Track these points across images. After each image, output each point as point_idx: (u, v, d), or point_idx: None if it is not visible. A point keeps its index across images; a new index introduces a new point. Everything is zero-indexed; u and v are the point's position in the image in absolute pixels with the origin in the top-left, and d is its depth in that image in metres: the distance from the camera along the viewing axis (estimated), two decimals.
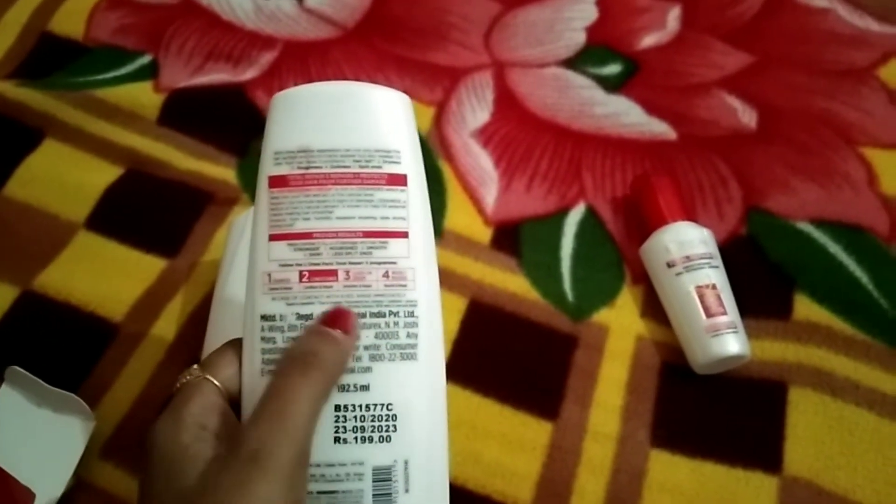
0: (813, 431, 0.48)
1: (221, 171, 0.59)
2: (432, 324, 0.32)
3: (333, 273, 0.31)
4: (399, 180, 0.33)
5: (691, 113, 0.64)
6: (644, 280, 0.54)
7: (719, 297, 0.50)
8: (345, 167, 0.32)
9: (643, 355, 0.51)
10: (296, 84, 0.65)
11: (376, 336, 0.31)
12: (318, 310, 0.31)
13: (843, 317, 0.52)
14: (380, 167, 0.33)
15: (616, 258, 0.56)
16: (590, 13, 0.71)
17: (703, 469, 0.47)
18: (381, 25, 0.70)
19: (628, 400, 0.50)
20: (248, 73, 0.66)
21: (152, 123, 0.63)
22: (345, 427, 0.30)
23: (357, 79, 0.66)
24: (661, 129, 0.63)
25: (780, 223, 0.57)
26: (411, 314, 0.32)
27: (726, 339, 0.48)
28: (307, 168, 0.32)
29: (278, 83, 0.66)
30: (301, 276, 0.32)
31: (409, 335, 0.31)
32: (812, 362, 0.50)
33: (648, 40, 0.69)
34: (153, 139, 0.61)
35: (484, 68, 0.67)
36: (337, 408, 0.30)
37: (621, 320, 0.53)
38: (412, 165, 0.33)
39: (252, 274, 0.32)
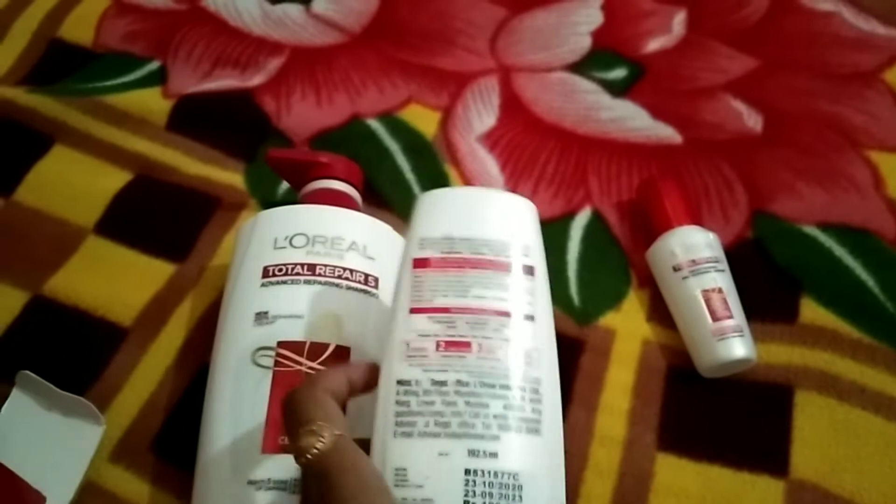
0: (819, 435, 0.48)
1: (229, 176, 0.60)
2: (554, 401, 0.35)
3: (468, 344, 0.34)
4: (528, 270, 0.37)
5: (697, 117, 0.64)
6: (650, 284, 0.54)
7: (725, 301, 0.50)
8: (481, 254, 0.36)
9: (649, 359, 0.51)
10: (303, 89, 0.66)
11: (504, 407, 0.33)
12: (452, 377, 0.33)
13: (849, 320, 0.52)
14: (511, 258, 0.37)
15: (622, 262, 0.56)
16: (595, 18, 0.72)
17: (709, 472, 0.47)
18: (387, 31, 0.71)
19: (635, 404, 0.50)
20: (256, 79, 0.67)
21: (161, 129, 0.63)
22: (474, 491, 0.32)
23: (363, 84, 0.67)
24: (666, 133, 0.63)
25: (786, 227, 0.57)
26: (536, 391, 0.34)
27: (732, 343, 0.48)
28: (448, 253, 0.36)
29: (285, 89, 0.66)
30: (437, 345, 0.34)
31: (533, 410, 0.34)
32: (818, 366, 0.50)
33: (654, 44, 0.70)
34: (162, 145, 0.62)
35: (490, 73, 0.68)
36: (467, 472, 0.32)
37: (627, 324, 0.53)
38: (538, 259, 0.38)
39: (390, 342, 0.35)
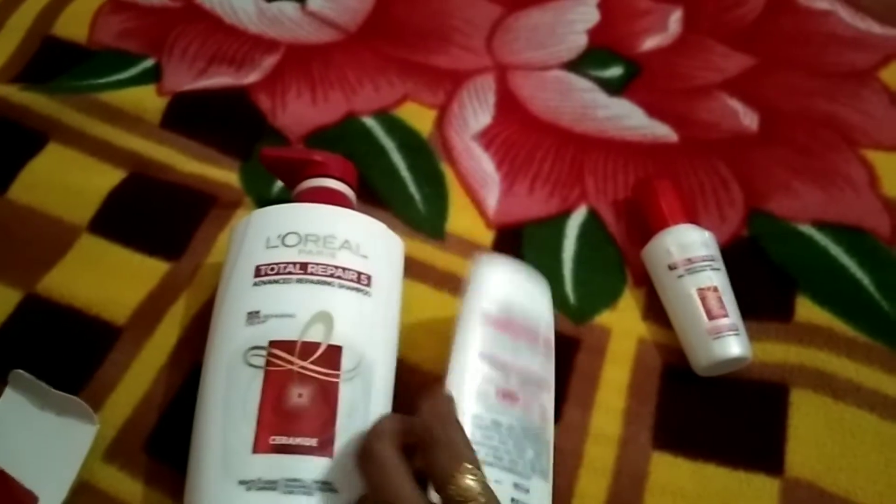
0: (814, 433, 0.48)
1: (224, 175, 0.60)
2: (552, 458, 0.43)
3: (518, 398, 0.41)
4: (549, 344, 0.45)
5: (693, 115, 0.64)
6: (646, 282, 0.54)
7: (721, 300, 0.50)
8: (531, 325, 0.43)
9: (645, 358, 0.51)
10: (298, 87, 0.65)
11: (535, 455, 0.41)
12: (506, 421, 0.40)
13: (844, 319, 0.52)
14: (544, 332, 0.44)
15: (618, 260, 0.56)
16: (591, 16, 0.72)
17: (704, 471, 0.47)
18: (383, 28, 0.71)
19: (630, 402, 0.50)
20: (251, 77, 0.66)
21: (155, 127, 0.63)
22: None
23: (359, 82, 0.66)
24: (662, 131, 0.63)
25: (782, 225, 0.57)
26: (549, 448, 0.43)
27: (728, 342, 0.48)
28: (510, 316, 0.42)
29: (281, 87, 0.66)
30: (497, 392, 0.40)
31: (547, 460, 0.42)
32: (814, 364, 0.50)
33: (650, 43, 0.69)
34: (156, 142, 0.62)
35: (486, 71, 0.68)
36: (513, 500, 0.38)
37: (623, 323, 0.53)
38: (552, 336, 0.46)
39: (460, 378, 0.40)
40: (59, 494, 0.43)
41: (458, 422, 0.37)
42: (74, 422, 0.46)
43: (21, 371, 0.46)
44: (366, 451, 0.37)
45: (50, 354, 0.50)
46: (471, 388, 0.39)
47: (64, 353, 0.51)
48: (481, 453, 0.38)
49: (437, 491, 0.34)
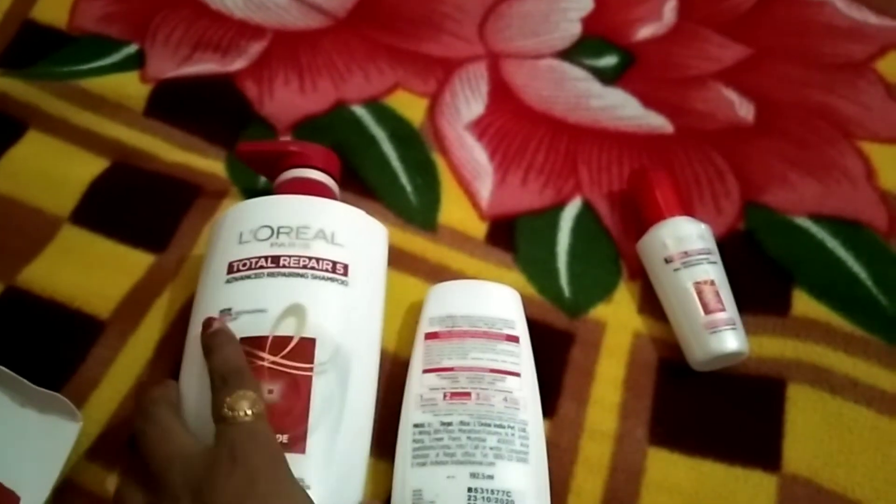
0: (812, 429, 0.47)
1: (210, 164, 0.58)
2: (539, 439, 0.44)
3: (468, 394, 0.44)
4: (514, 339, 0.47)
5: (688, 106, 0.63)
6: (641, 276, 0.54)
7: (717, 294, 0.49)
8: (477, 327, 0.47)
9: (641, 352, 0.51)
10: (286, 75, 0.64)
11: (498, 441, 0.43)
12: (456, 419, 0.43)
13: (841, 313, 0.52)
14: (501, 329, 0.47)
15: (613, 253, 0.55)
16: (586, 4, 0.70)
17: (701, 467, 0.46)
18: (372, 15, 0.69)
19: (626, 397, 0.49)
20: (237, 64, 0.65)
21: (139, 115, 0.61)
22: (475, 502, 0.41)
23: (348, 69, 0.65)
24: (658, 122, 0.62)
25: (779, 218, 0.57)
26: (524, 430, 0.44)
27: (725, 336, 0.48)
28: (451, 327, 0.47)
29: (268, 73, 0.64)
30: (444, 396, 0.44)
31: (522, 444, 0.43)
32: (810, 359, 0.50)
33: (645, 32, 0.68)
34: (140, 131, 0.60)
35: (478, 59, 0.66)
36: (470, 489, 0.41)
37: (618, 316, 0.52)
38: (522, 331, 0.48)
39: (407, 395, 0.45)
40: (42, 494, 0.42)
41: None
42: (57, 419, 0.44)
43: (1, 367, 0.45)
44: (141, 411, 0.39)
45: (31, 349, 0.49)
46: (415, 402, 0.44)
47: (45, 348, 0.49)
48: (431, 455, 0.42)
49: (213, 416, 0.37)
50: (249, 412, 0.36)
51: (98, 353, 0.49)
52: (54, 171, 0.57)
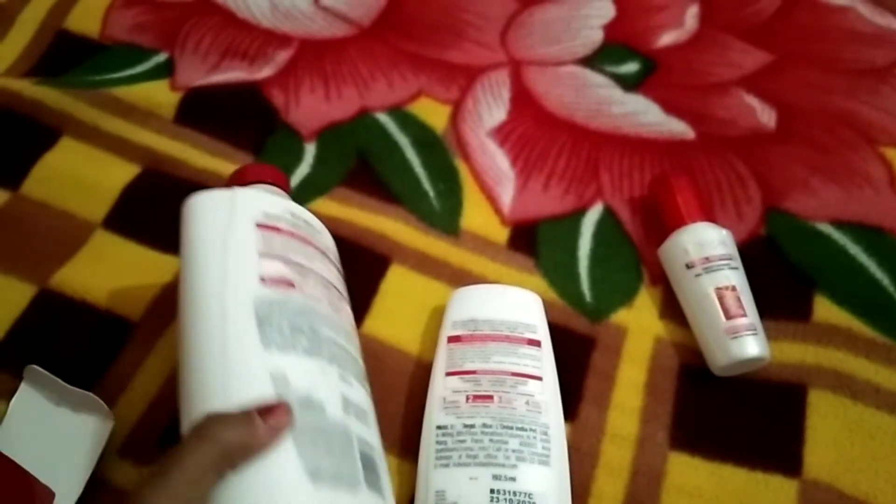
0: (833, 435, 0.47)
1: None
2: (560, 440, 0.44)
3: (490, 397, 0.45)
4: (535, 343, 0.47)
5: (710, 112, 0.63)
6: (662, 281, 0.54)
7: (739, 299, 0.49)
8: (499, 331, 0.47)
9: (662, 357, 0.51)
10: (312, 82, 0.65)
11: (520, 444, 0.43)
12: (479, 421, 0.44)
13: (863, 319, 0.52)
14: (522, 333, 0.47)
15: (634, 259, 0.56)
16: (607, 11, 0.71)
17: (722, 472, 0.46)
18: (396, 23, 0.70)
19: (647, 402, 0.49)
20: (264, 72, 0.66)
21: (168, 122, 0.63)
22: (498, 503, 0.41)
23: (372, 77, 0.66)
24: (679, 128, 0.63)
25: (800, 224, 0.57)
26: (545, 433, 0.44)
27: (746, 342, 0.48)
28: (474, 330, 0.47)
29: (294, 81, 0.65)
30: (467, 398, 0.45)
31: (543, 447, 0.43)
32: (832, 365, 0.50)
33: (666, 38, 0.69)
34: (170, 138, 0.61)
35: (500, 66, 0.67)
36: (492, 491, 0.42)
37: (640, 321, 0.53)
38: (544, 336, 0.48)
39: (431, 398, 0.46)
40: (75, 490, 0.43)
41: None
42: (90, 418, 0.46)
43: (36, 367, 0.46)
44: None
45: (64, 350, 0.50)
46: (439, 405, 0.45)
47: (78, 348, 0.51)
48: (454, 457, 0.43)
49: None
50: None
51: (128, 354, 0.50)
52: (87, 176, 0.59)
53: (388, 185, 0.59)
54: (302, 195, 0.58)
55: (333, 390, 0.38)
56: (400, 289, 0.54)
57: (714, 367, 0.49)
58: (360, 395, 0.41)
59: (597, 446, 0.47)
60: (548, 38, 0.69)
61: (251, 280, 0.39)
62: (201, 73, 0.66)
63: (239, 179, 0.52)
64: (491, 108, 0.64)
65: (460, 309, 0.49)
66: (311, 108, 0.64)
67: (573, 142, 0.62)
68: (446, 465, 0.43)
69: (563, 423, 0.46)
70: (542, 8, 0.71)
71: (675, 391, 0.50)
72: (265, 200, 0.45)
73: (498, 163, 0.61)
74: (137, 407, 0.48)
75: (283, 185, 0.54)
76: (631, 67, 0.67)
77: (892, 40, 0.67)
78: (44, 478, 0.43)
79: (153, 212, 0.57)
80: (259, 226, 0.42)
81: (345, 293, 0.47)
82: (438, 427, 0.44)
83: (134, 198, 0.58)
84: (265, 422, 0.34)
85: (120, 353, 0.50)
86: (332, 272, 0.46)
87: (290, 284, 0.41)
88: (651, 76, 0.66)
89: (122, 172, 0.59)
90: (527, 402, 0.45)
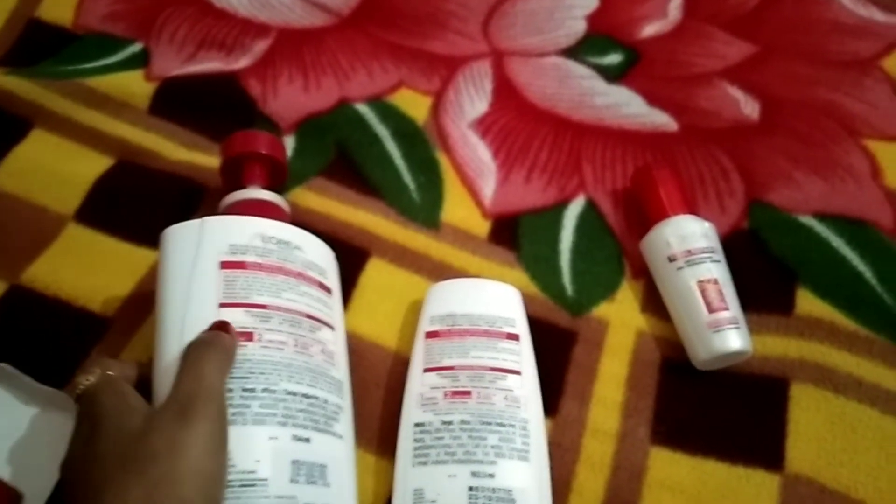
0: (815, 428, 0.47)
1: (214, 162, 0.58)
2: (540, 437, 0.44)
3: (469, 393, 0.44)
4: (514, 337, 0.47)
5: (693, 104, 0.63)
6: (644, 274, 0.53)
7: (721, 292, 0.49)
8: (477, 326, 0.47)
9: (643, 351, 0.51)
10: (290, 73, 0.64)
11: (499, 439, 0.43)
12: (457, 417, 0.43)
13: (845, 312, 0.52)
14: (501, 328, 0.47)
15: (616, 252, 0.55)
16: (590, 1, 0.70)
17: (703, 466, 0.46)
18: (376, 13, 0.69)
19: (628, 396, 0.49)
20: (242, 62, 0.65)
21: (143, 113, 0.61)
22: (476, 501, 0.41)
23: (352, 67, 0.65)
24: (662, 120, 0.62)
25: (783, 216, 0.56)
26: (524, 428, 0.43)
27: (728, 335, 0.48)
28: (452, 325, 0.47)
29: (272, 72, 0.64)
30: (445, 395, 0.44)
31: (523, 443, 0.43)
32: (814, 358, 0.50)
33: (649, 29, 0.68)
34: (144, 129, 0.60)
35: (482, 57, 0.66)
36: (471, 488, 0.41)
37: (621, 315, 0.52)
38: (523, 330, 0.47)
39: (408, 394, 0.45)
40: (45, 491, 0.42)
41: None
42: (60, 417, 0.44)
43: (5, 364, 0.45)
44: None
45: (35, 347, 0.49)
46: (416, 401, 0.44)
47: (50, 345, 0.49)
48: (432, 455, 0.42)
49: None
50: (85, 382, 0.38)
51: (102, 351, 0.49)
52: (59, 169, 0.58)
53: (367, 177, 0.58)
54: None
55: (281, 460, 0.37)
56: (379, 283, 0.53)
57: (696, 361, 0.49)
58: (321, 448, 0.39)
59: (578, 441, 0.47)
60: (530, 28, 0.68)
61: None
62: (177, 64, 0.65)
63: (228, 151, 0.52)
64: (473, 99, 0.63)
65: (438, 304, 0.48)
66: (290, 99, 0.63)
67: (555, 134, 0.61)
68: (424, 463, 0.42)
69: (542, 418, 0.45)
70: None
71: (656, 385, 0.49)
72: (233, 230, 0.43)
73: (479, 155, 0.60)
74: None
75: (278, 155, 0.53)
76: (614, 58, 0.66)
77: (875, 32, 0.67)
78: (12, 479, 0.42)
79: (127, 204, 0.56)
80: (224, 265, 0.42)
81: (328, 313, 0.45)
82: (416, 424, 0.44)
83: (107, 190, 0.57)
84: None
85: (93, 349, 0.49)
86: (307, 297, 0.43)
87: (248, 338, 0.40)
88: (634, 67, 0.66)
89: (95, 164, 0.58)
90: (506, 398, 0.44)
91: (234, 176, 0.53)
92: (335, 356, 0.44)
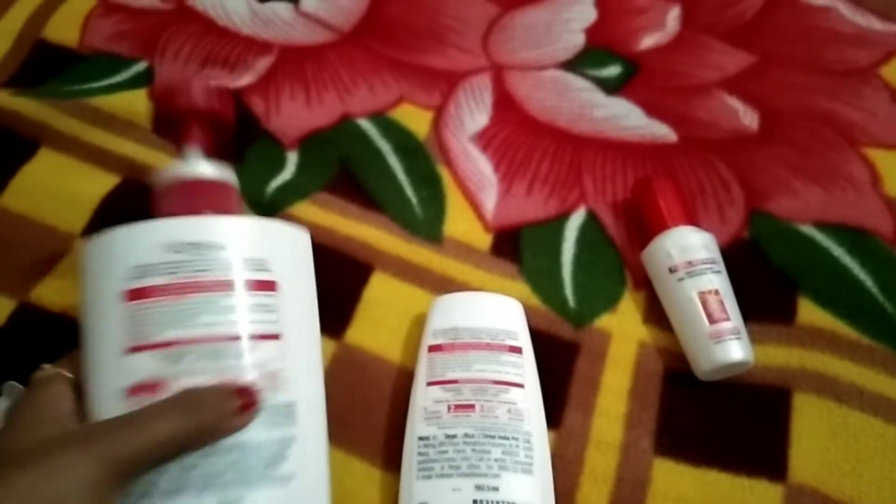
0: (818, 438, 0.47)
1: None
2: (543, 450, 0.44)
3: (472, 406, 0.44)
4: (517, 350, 0.47)
5: (692, 115, 0.63)
6: (646, 285, 0.54)
7: (722, 303, 0.49)
8: (480, 339, 0.47)
9: (646, 362, 0.51)
10: (292, 89, 0.65)
11: (503, 453, 0.43)
12: (460, 431, 0.44)
13: (847, 321, 0.52)
14: (503, 341, 0.47)
15: (617, 263, 0.56)
16: (588, 14, 0.71)
17: (707, 477, 0.46)
18: (377, 29, 0.70)
19: (631, 407, 0.49)
20: (245, 79, 0.66)
21: (148, 131, 0.62)
22: None
23: (353, 83, 0.66)
24: (661, 131, 0.62)
25: (783, 226, 0.57)
26: (528, 441, 0.44)
27: (730, 346, 0.48)
28: (454, 339, 0.47)
29: (274, 88, 0.65)
30: (449, 408, 0.44)
31: (526, 455, 0.43)
32: (816, 367, 0.50)
33: (648, 41, 0.69)
34: (150, 147, 0.61)
35: (482, 71, 0.67)
36: (475, 501, 0.41)
37: (623, 326, 0.52)
38: (525, 342, 0.48)
39: (412, 408, 0.45)
40: None
41: None
42: None
43: (14, 383, 0.45)
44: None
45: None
46: (420, 415, 0.45)
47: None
48: (437, 468, 0.43)
49: None
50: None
51: None
52: (66, 188, 0.58)
53: (370, 192, 0.59)
54: (283, 201, 0.57)
55: None
56: (382, 297, 0.53)
57: (698, 372, 0.49)
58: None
59: (581, 453, 0.47)
60: (529, 42, 0.69)
61: (113, 397, 0.35)
62: None
63: (160, 103, 0.44)
64: (473, 113, 0.64)
65: (441, 318, 0.49)
66: (292, 116, 0.63)
67: (556, 146, 0.62)
68: (429, 477, 0.43)
69: (545, 431, 0.45)
70: (524, 12, 0.71)
71: (659, 396, 0.49)
72: (138, 247, 0.37)
73: (481, 168, 0.60)
74: None
75: (219, 107, 0.45)
76: (612, 71, 0.67)
77: (873, 41, 0.67)
78: None
79: (133, 222, 0.57)
80: (128, 296, 0.35)
81: (272, 322, 0.37)
82: (420, 438, 0.44)
83: (114, 208, 0.57)
84: (238, 401, 0.34)
85: None
86: (233, 313, 0.36)
87: (153, 390, 0.34)
88: (633, 79, 0.66)
89: (101, 183, 0.59)
90: (509, 410, 0.44)
91: (167, 131, 0.46)
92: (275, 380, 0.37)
